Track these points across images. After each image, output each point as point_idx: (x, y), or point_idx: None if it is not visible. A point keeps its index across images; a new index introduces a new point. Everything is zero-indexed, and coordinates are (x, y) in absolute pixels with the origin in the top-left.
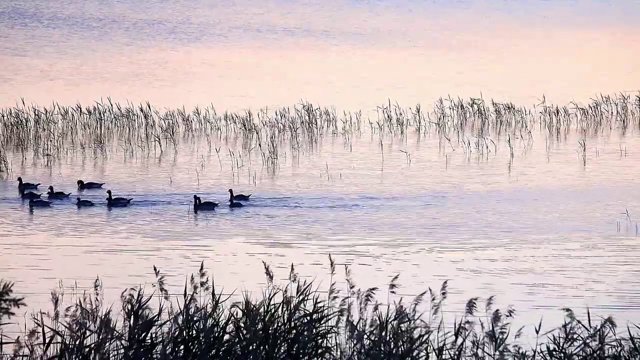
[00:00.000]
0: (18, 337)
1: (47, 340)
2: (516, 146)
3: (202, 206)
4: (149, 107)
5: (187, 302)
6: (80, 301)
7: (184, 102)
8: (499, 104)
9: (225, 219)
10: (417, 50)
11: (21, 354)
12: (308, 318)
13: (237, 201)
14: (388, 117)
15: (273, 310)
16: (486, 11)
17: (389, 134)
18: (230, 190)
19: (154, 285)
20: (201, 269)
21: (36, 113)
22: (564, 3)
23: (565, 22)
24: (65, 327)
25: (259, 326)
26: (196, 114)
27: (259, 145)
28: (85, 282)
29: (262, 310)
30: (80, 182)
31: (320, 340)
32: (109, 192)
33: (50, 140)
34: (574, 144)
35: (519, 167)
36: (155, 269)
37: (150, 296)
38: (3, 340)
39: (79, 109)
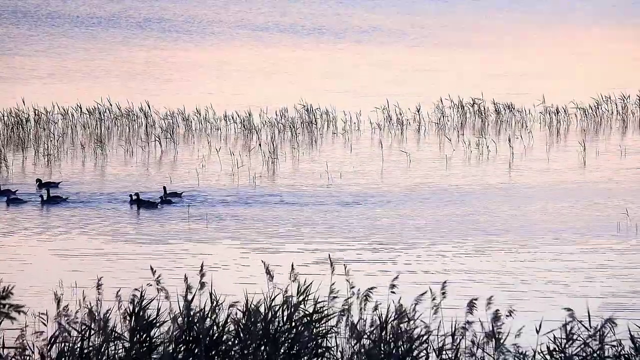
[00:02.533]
0: (18, 336)
1: (48, 341)
2: (516, 146)
3: (141, 203)
4: (149, 107)
5: (188, 303)
6: (79, 303)
7: (184, 102)
8: (499, 104)
9: (215, 220)
10: (417, 49)
11: (22, 354)
12: (308, 318)
13: (169, 198)
14: (388, 117)
15: (273, 311)
16: (486, 11)
17: (389, 134)
18: (164, 187)
19: (150, 285)
20: (201, 269)
21: (36, 113)
22: (563, 2)
23: (565, 21)
24: (64, 328)
25: (259, 326)
26: (196, 114)
27: (259, 145)
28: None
29: (262, 310)
30: (38, 180)
31: (320, 340)
32: (48, 190)
33: (50, 140)
34: (574, 144)
35: (519, 167)
36: (152, 268)
37: (152, 299)
38: (4, 341)
39: (79, 109)
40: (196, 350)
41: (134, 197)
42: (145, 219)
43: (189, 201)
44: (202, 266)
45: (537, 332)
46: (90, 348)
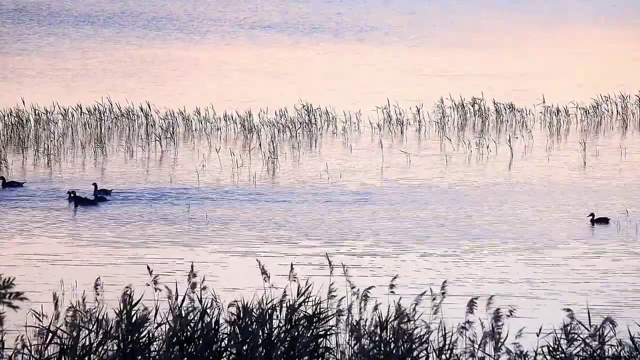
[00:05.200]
0: (17, 337)
1: (44, 340)
2: (516, 146)
3: (79, 201)
4: (149, 107)
5: (181, 303)
6: (77, 302)
7: (184, 102)
8: (500, 104)
9: (215, 220)
10: (417, 49)
11: (20, 353)
12: (307, 318)
13: (101, 195)
14: (388, 117)
15: (271, 311)
16: (486, 11)
17: (389, 134)
18: (95, 184)
19: (148, 285)
20: (192, 269)
21: (36, 113)
22: (563, 2)
23: (565, 21)
24: (61, 328)
25: (256, 326)
26: (196, 114)
27: (259, 145)
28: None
29: (259, 310)
30: (1, 178)
31: (319, 341)
32: None
33: (51, 140)
34: (574, 144)
35: (519, 167)
36: (148, 268)
37: (148, 299)
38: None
39: (79, 109)
40: (190, 350)
41: (72, 195)
42: (139, 218)
43: (189, 201)
44: (192, 267)
45: (538, 335)
46: (85, 347)
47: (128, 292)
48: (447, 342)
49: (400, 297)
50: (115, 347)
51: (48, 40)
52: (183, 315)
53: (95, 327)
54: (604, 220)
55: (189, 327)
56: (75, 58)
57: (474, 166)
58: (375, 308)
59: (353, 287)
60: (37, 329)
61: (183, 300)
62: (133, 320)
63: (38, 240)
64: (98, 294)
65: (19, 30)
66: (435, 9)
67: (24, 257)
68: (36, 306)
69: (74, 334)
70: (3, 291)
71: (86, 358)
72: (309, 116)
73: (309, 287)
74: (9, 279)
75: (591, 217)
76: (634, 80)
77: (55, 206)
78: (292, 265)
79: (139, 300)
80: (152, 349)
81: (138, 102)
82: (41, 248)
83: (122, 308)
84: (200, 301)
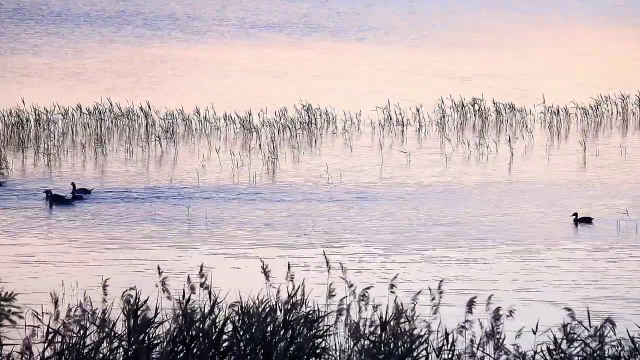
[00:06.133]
0: (17, 337)
1: (45, 340)
2: (516, 146)
3: (54, 199)
4: (149, 107)
5: (186, 303)
6: (80, 302)
7: (184, 102)
8: (500, 104)
9: (215, 220)
10: (417, 49)
11: (21, 353)
12: (305, 318)
13: (79, 194)
14: (388, 117)
15: (270, 310)
16: (486, 11)
17: (389, 134)
18: (73, 184)
19: (157, 286)
20: (201, 270)
21: (36, 113)
22: (563, 2)
23: (565, 21)
24: (65, 327)
25: (257, 326)
26: (196, 114)
27: (259, 145)
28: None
29: (259, 310)
30: None
31: (318, 340)
32: None
33: (51, 140)
34: (574, 144)
35: (519, 167)
36: (159, 268)
37: (152, 299)
38: (3, 341)
39: (79, 109)
40: (194, 350)
41: (49, 194)
42: (140, 218)
43: (189, 201)
44: (201, 267)
45: (534, 332)
46: (89, 347)
47: (132, 293)
48: (447, 342)
49: (398, 297)
50: (120, 347)
51: (47, 40)
52: (188, 315)
53: (99, 326)
54: (587, 220)
55: (194, 327)
56: (74, 58)
57: (474, 166)
58: (375, 308)
59: (351, 287)
60: (39, 329)
61: (187, 301)
62: (139, 321)
63: (17, 241)
64: (103, 294)
65: (19, 29)
66: (435, 9)
67: (7, 257)
68: (35, 306)
69: (81, 332)
70: (3, 302)
71: (89, 357)
72: (309, 116)
73: (304, 286)
74: (11, 293)
75: (574, 216)
76: (634, 80)
77: (31, 205)
78: (289, 264)
79: (146, 301)
80: (155, 349)
81: (138, 102)
82: (20, 248)
83: (127, 308)
84: (210, 296)
